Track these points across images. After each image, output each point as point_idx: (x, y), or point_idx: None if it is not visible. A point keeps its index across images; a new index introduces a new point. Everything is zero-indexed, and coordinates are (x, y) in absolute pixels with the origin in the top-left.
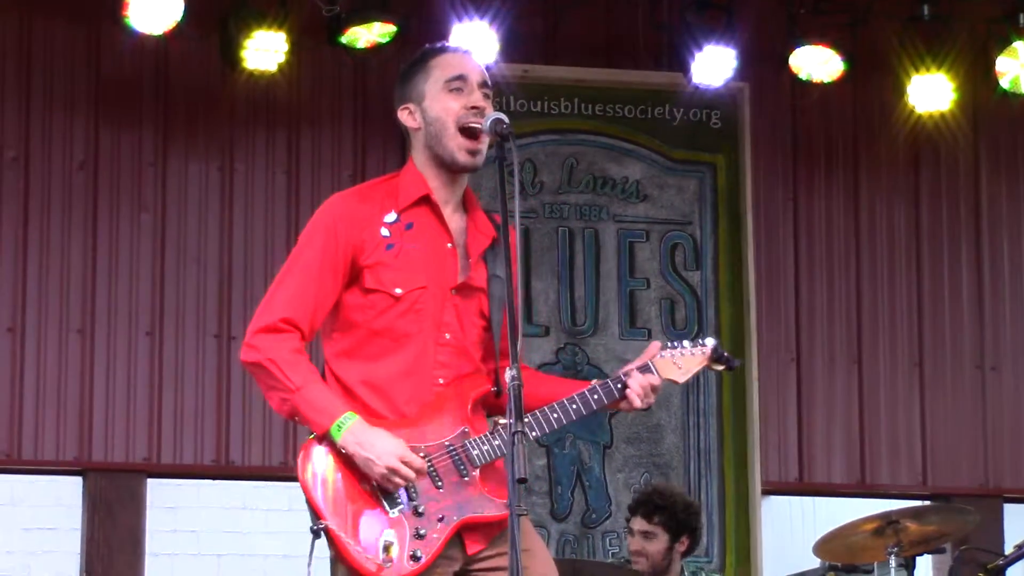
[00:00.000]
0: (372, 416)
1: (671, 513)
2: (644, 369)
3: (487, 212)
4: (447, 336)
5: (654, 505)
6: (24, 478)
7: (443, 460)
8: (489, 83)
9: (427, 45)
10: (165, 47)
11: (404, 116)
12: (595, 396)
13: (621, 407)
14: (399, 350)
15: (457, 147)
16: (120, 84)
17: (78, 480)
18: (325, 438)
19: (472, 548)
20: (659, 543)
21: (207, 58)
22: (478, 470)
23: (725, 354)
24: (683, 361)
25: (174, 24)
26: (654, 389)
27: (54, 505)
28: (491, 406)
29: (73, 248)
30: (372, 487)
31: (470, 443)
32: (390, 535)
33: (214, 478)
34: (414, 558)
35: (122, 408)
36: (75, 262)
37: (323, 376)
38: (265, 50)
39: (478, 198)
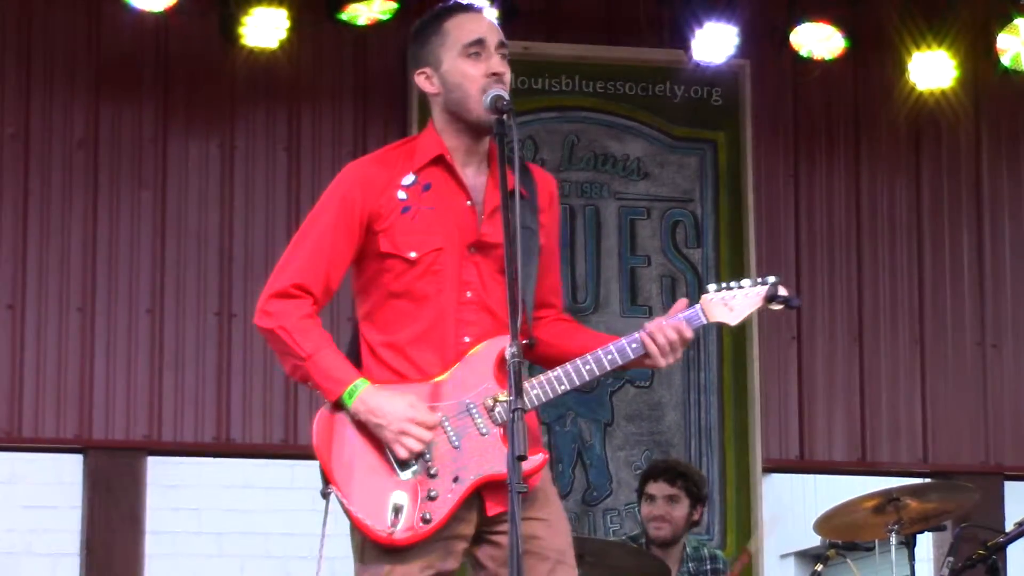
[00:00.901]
0: (396, 376)
1: (692, 479)
2: (679, 320)
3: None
4: (468, 294)
5: (676, 471)
6: (24, 456)
7: (462, 419)
8: (505, 42)
9: (440, 4)
10: (165, 24)
11: (421, 80)
12: (609, 356)
13: (645, 364)
14: (420, 311)
15: (483, 109)
16: (120, 61)
17: (78, 458)
18: (338, 405)
19: (493, 509)
20: (682, 508)
21: (207, 35)
22: (500, 427)
23: (783, 293)
24: (736, 302)
25: (174, 1)
26: (683, 342)
27: (54, 483)
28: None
29: (73, 225)
30: (385, 451)
31: (490, 400)
32: (401, 498)
33: (215, 456)
34: (424, 520)
35: (122, 386)
36: (75, 239)
37: (355, 336)
38: (265, 27)
39: None
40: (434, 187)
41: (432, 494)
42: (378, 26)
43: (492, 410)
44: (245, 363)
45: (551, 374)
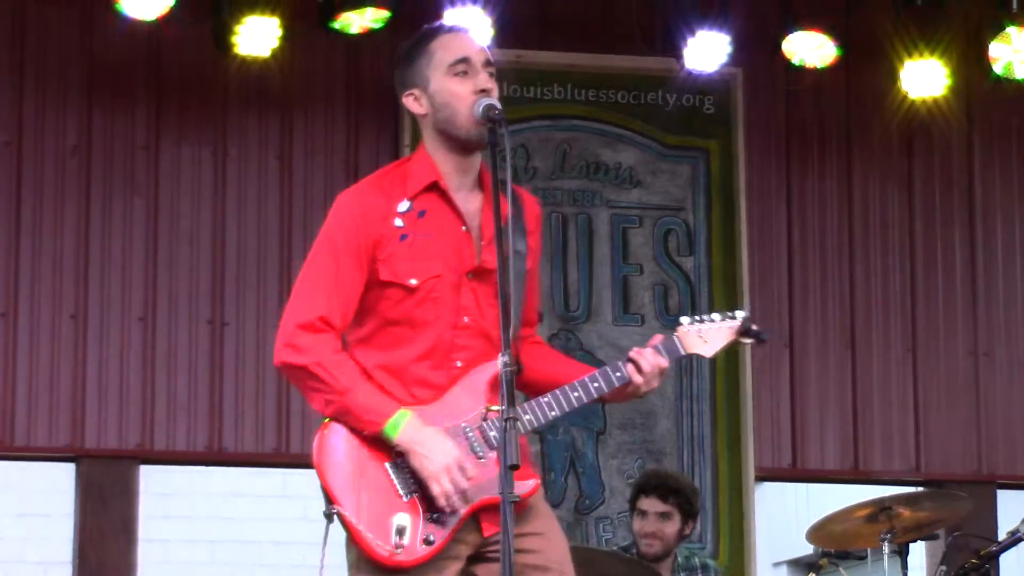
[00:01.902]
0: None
1: (685, 496)
2: (658, 348)
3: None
4: (465, 319)
5: (669, 487)
6: (16, 464)
7: (459, 442)
8: (492, 60)
9: (425, 26)
10: (158, 32)
11: (410, 102)
12: (595, 384)
13: (627, 391)
14: (417, 337)
15: (472, 125)
16: (113, 69)
17: (71, 466)
18: (376, 435)
19: (489, 530)
20: (674, 525)
21: (200, 43)
22: (495, 451)
23: (754, 328)
24: (710, 334)
25: (167, 9)
26: (660, 371)
27: (46, 491)
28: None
29: (66, 232)
30: (388, 471)
31: (487, 424)
32: (403, 519)
33: (207, 464)
34: (427, 542)
35: (115, 394)
36: (68, 247)
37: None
38: (258, 35)
39: None
40: (429, 213)
41: (434, 516)
42: (370, 35)
43: (487, 432)
44: (237, 372)
45: (542, 400)
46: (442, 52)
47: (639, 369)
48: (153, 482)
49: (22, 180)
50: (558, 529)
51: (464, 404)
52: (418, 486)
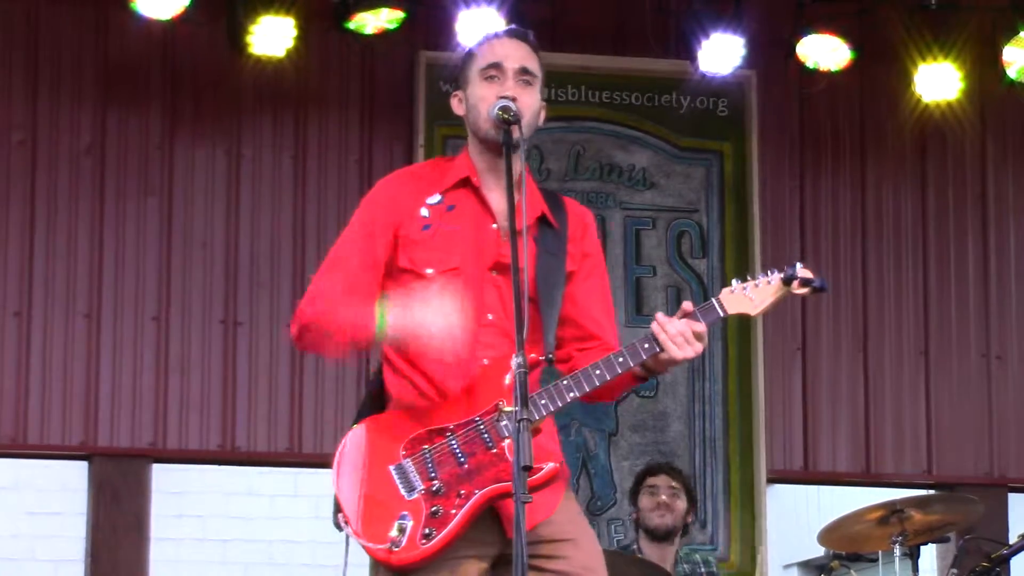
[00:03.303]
0: (417, 393)
1: (688, 481)
2: (694, 314)
3: (551, 191)
4: (489, 317)
5: (675, 470)
6: (29, 462)
7: (469, 435)
8: (531, 68)
9: (487, 33)
10: (173, 32)
11: (454, 103)
12: (620, 359)
13: (661, 359)
14: None
15: (491, 128)
16: (127, 68)
17: (83, 465)
18: (372, 341)
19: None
20: (683, 502)
21: (215, 43)
22: (508, 441)
23: (803, 274)
24: (756, 292)
25: (182, 9)
26: (698, 336)
27: (59, 489)
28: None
29: (80, 232)
30: (390, 472)
31: (499, 415)
32: (405, 518)
33: (219, 463)
34: (426, 537)
35: (128, 393)
36: (82, 246)
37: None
38: (273, 35)
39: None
40: (459, 208)
41: (436, 512)
42: (385, 35)
43: (499, 423)
44: (250, 371)
45: (560, 382)
46: (481, 56)
47: (665, 331)
48: (165, 481)
49: (36, 179)
50: (589, 533)
51: (481, 399)
52: (420, 483)
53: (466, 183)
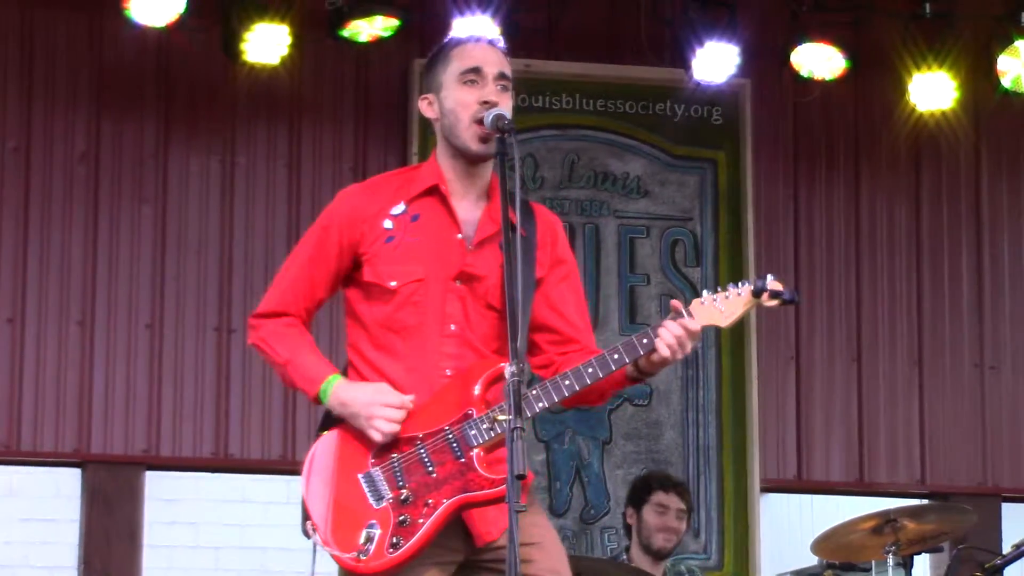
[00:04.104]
0: None
1: (690, 499)
2: (677, 317)
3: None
4: (452, 327)
5: (684, 487)
6: (22, 469)
7: (438, 444)
8: (508, 74)
9: (452, 36)
10: (167, 39)
11: (424, 106)
12: (615, 356)
13: (652, 360)
14: (402, 343)
15: (471, 136)
16: (121, 76)
17: (77, 472)
18: (318, 401)
19: (481, 539)
20: (686, 524)
21: (209, 51)
22: (477, 450)
23: (773, 287)
24: (726, 304)
25: (176, 16)
26: (691, 336)
27: (52, 496)
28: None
29: (73, 239)
30: (359, 481)
31: (469, 424)
32: (373, 527)
33: (213, 471)
34: (394, 546)
35: (121, 400)
36: (75, 253)
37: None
38: (267, 43)
39: None
40: (423, 218)
41: (403, 520)
42: (379, 43)
43: (467, 431)
44: (244, 378)
45: (550, 381)
46: (457, 60)
47: (660, 337)
48: (159, 488)
49: (30, 187)
50: (554, 538)
51: (448, 407)
52: (389, 492)
53: (434, 191)
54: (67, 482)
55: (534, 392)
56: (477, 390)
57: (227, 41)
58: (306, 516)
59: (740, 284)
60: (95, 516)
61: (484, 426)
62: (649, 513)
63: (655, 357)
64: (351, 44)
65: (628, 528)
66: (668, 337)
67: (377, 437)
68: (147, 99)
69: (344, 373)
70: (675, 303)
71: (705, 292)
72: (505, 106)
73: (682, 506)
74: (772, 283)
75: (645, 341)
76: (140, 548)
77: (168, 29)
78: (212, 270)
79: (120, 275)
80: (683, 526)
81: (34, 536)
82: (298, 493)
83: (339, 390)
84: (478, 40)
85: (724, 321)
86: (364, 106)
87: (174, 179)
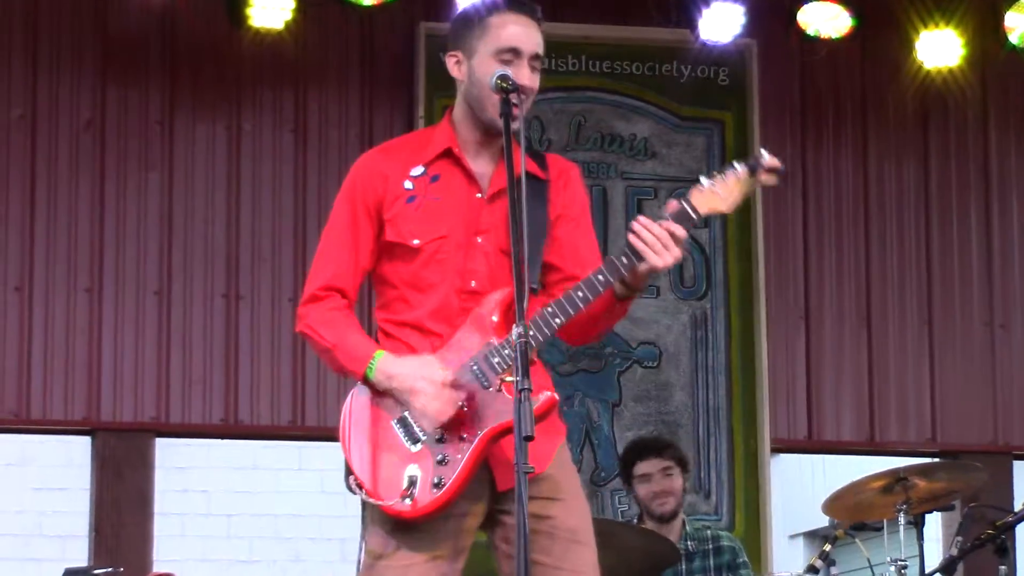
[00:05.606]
0: (411, 351)
1: (676, 448)
2: (668, 218)
3: (536, 151)
4: (473, 284)
5: (661, 444)
6: (33, 438)
7: (465, 378)
8: (541, 53)
9: None
10: (172, 5)
11: (451, 63)
12: (600, 277)
13: (641, 270)
14: (426, 300)
15: (497, 113)
16: (127, 43)
17: (87, 440)
18: (367, 384)
19: (503, 484)
20: (678, 478)
21: (213, 16)
22: (500, 376)
23: (765, 161)
24: (724, 188)
25: None
26: (675, 239)
27: (63, 465)
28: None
29: (80, 207)
30: (393, 427)
31: (492, 352)
32: (413, 470)
33: (223, 437)
34: (437, 485)
35: (130, 368)
36: (82, 221)
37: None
38: (271, 8)
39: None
40: (443, 178)
41: (442, 458)
42: (384, 6)
43: (491, 359)
44: (253, 344)
45: (546, 310)
46: (497, 31)
47: (641, 238)
48: (169, 455)
49: (36, 155)
50: (580, 496)
51: (471, 341)
52: (423, 433)
53: (448, 154)
54: (78, 450)
55: (532, 332)
56: (495, 317)
57: (231, 6)
58: (348, 471)
59: (736, 164)
60: (106, 484)
61: (506, 351)
62: (638, 488)
63: (642, 267)
64: (356, 8)
65: (637, 503)
66: (645, 234)
67: (418, 405)
68: (152, 66)
69: (375, 339)
70: (671, 201)
71: (701, 178)
72: (535, 85)
73: (665, 463)
74: (768, 159)
75: (625, 260)
76: (151, 516)
77: None
78: (219, 236)
79: (127, 242)
80: (675, 482)
81: (46, 505)
82: (315, 459)
83: (384, 364)
84: (519, 13)
85: (724, 205)
86: (370, 70)
87: (180, 146)
